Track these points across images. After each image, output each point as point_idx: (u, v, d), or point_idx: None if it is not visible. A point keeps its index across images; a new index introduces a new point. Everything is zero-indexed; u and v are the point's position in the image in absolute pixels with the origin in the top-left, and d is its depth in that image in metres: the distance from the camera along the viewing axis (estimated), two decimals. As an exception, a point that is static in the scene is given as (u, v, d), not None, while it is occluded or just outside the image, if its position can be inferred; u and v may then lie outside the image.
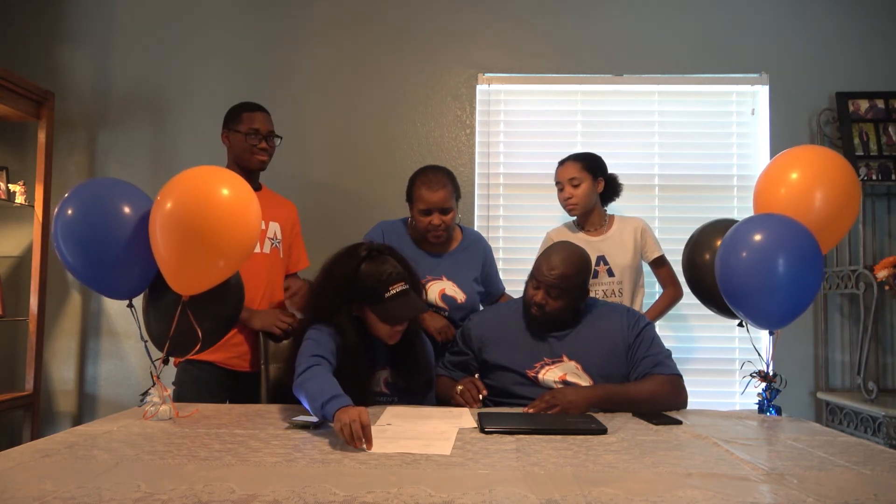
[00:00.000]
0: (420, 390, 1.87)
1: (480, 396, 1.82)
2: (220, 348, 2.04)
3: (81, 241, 1.57)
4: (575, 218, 2.52)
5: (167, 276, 1.59)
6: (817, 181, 1.78)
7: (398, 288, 1.75)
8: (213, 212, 1.54)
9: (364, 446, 1.31)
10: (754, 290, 1.69)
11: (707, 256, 1.92)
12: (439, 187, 2.15)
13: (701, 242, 1.99)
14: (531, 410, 1.70)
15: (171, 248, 1.54)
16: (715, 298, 1.91)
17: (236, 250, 1.61)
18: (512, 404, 1.86)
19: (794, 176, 1.80)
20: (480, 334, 2.00)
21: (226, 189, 1.57)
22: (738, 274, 1.71)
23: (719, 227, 1.95)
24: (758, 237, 1.70)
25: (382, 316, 1.75)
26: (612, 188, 2.51)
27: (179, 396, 2.03)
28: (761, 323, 1.77)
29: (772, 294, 1.67)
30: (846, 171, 1.79)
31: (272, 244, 2.26)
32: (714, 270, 1.83)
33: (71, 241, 1.57)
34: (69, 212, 1.57)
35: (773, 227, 1.72)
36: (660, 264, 2.50)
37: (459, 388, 1.84)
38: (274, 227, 2.28)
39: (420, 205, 2.17)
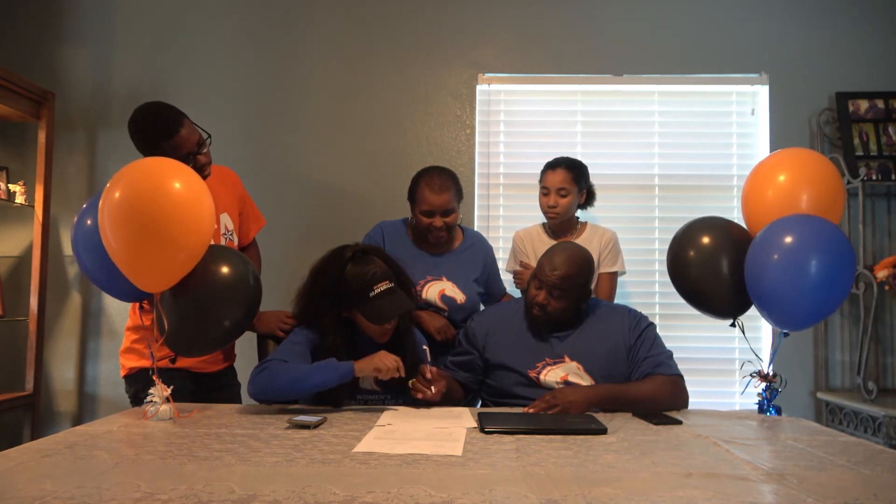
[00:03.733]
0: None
1: (433, 389, 1.75)
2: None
3: (100, 250, 1.58)
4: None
5: (126, 273, 1.57)
6: (803, 183, 1.81)
7: (382, 287, 1.77)
8: (163, 202, 1.52)
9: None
10: (787, 291, 1.69)
11: (692, 254, 1.90)
12: (443, 190, 2.15)
13: (685, 240, 1.95)
14: (531, 410, 1.70)
15: (124, 243, 1.52)
16: (697, 296, 1.91)
17: (192, 240, 1.58)
18: (513, 405, 1.86)
19: (781, 178, 1.83)
20: (485, 332, 1.99)
21: (175, 179, 1.55)
22: (770, 275, 1.71)
23: (703, 224, 1.94)
24: (791, 238, 1.70)
25: (369, 316, 1.77)
26: (589, 199, 2.50)
27: (137, 399, 1.94)
28: (785, 324, 1.77)
29: (804, 296, 1.68)
30: (831, 173, 1.83)
31: (226, 239, 2.12)
32: (696, 268, 1.87)
33: (89, 249, 1.61)
34: (88, 222, 1.62)
35: (809, 228, 1.72)
36: (611, 277, 2.42)
37: (412, 381, 1.77)
38: (224, 221, 2.12)
39: (423, 206, 2.16)
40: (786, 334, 1.80)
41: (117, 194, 1.50)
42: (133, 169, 1.57)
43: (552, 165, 2.44)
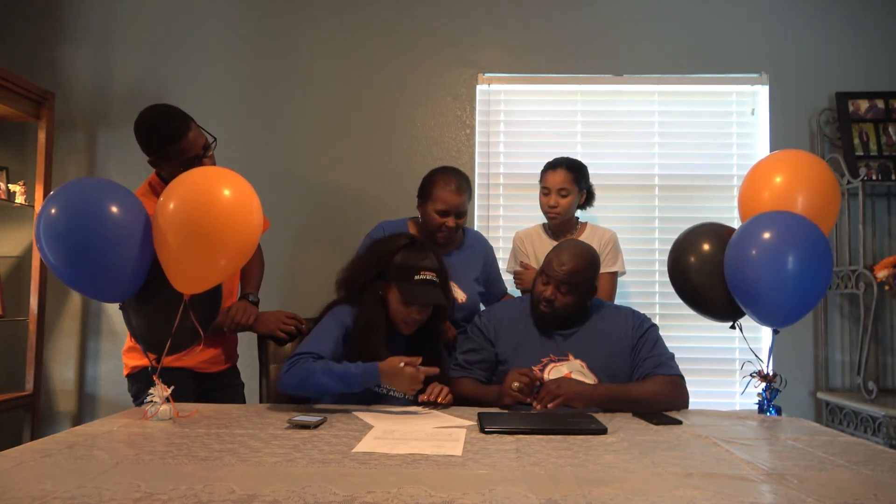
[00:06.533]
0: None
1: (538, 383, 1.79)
2: (193, 353, 1.90)
3: (65, 243, 1.49)
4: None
5: (170, 275, 1.59)
6: (798, 184, 1.82)
7: (428, 276, 1.82)
8: (216, 212, 1.55)
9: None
10: (765, 286, 1.70)
11: (692, 259, 1.92)
12: (461, 191, 2.20)
13: (686, 245, 1.96)
14: (538, 406, 1.71)
15: (176, 247, 1.55)
16: (700, 300, 1.92)
17: (238, 250, 1.62)
18: (515, 403, 1.87)
19: (777, 180, 1.84)
20: (495, 327, 2.00)
21: (228, 189, 1.57)
22: (749, 271, 1.72)
23: (705, 230, 1.95)
24: (768, 234, 1.72)
25: (406, 295, 1.80)
26: (589, 199, 2.50)
27: (139, 398, 1.93)
28: (769, 321, 1.77)
29: (783, 291, 1.69)
30: (826, 175, 1.85)
31: None
32: (697, 273, 1.88)
33: (54, 242, 1.48)
34: (52, 212, 1.48)
35: (784, 224, 1.73)
36: (611, 277, 2.41)
37: (515, 384, 1.76)
38: None
39: (439, 205, 2.18)
40: (776, 332, 1.81)
41: (172, 205, 1.53)
42: (188, 177, 1.59)
43: (552, 166, 2.43)
